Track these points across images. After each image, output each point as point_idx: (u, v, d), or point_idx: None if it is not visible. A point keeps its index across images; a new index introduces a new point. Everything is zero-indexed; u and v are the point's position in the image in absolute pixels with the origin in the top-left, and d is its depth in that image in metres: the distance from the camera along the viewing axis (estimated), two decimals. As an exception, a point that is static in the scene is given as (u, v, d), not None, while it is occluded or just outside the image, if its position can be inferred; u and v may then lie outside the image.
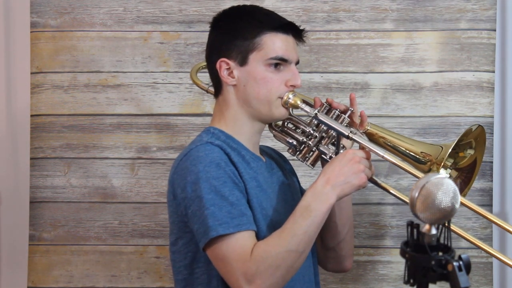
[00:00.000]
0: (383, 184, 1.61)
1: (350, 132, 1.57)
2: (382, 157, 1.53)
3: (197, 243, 1.53)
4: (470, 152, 1.72)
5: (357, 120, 1.69)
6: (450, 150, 1.62)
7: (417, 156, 1.68)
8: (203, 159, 1.52)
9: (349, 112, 1.66)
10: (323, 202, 1.48)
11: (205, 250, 1.51)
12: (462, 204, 1.55)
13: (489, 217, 1.53)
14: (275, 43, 1.60)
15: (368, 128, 1.71)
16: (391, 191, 1.61)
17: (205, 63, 1.96)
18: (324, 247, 1.79)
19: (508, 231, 1.53)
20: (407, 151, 1.69)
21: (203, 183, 1.49)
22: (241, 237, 1.48)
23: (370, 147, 1.55)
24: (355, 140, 1.58)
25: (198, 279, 1.59)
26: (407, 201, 1.41)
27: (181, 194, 1.53)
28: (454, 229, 1.54)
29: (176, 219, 1.59)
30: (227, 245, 1.47)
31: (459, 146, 1.68)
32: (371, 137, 1.71)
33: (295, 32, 1.65)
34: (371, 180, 1.57)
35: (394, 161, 1.54)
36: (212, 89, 1.83)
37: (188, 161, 1.54)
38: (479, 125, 1.69)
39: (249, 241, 1.48)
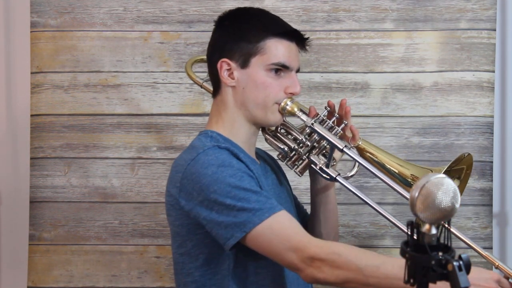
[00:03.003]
0: None
1: (345, 146, 1.58)
2: (374, 175, 1.54)
3: (208, 244, 1.53)
4: (456, 183, 1.70)
5: (349, 134, 1.70)
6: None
7: (407, 179, 1.67)
8: (214, 161, 1.52)
9: (342, 125, 1.67)
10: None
11: (234, 248, 1.49)
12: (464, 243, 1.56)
13: (490, 258, 1.55)
14: (278, 49, 1.60)
15: (360, 143, 1.71)
16: None
17: (200, 57, 1.97)
18: None
19: (509, 274, 1.53)
20: (397, 173, 1.68)
21: (221, 184, 1.48)
22: (279, 218, 1.46)
23: (363, 164, 1.56)
24: (348, 154, 1.58)
25: (211, 279, 1.58)
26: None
27: (198, 197, 1.51)
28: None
29: (185, 221, 1.57)
30: (271, 230, 1.45)
31: (448, 172, 1.66)
32: (360, 153, 1.71)
33: (299, 40, 1.65)
34: None
35: (388, 182, 1.54)
36: (206, 84, 1.84)
37: (197, 165, 1.53)
38: (469, 154, 1.68)
39: (288, 220, 1.47)
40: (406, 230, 1.12)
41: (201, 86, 1.90)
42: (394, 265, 1.39)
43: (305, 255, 1.42)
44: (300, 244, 1.44)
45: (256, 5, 2.27)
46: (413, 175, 1.67)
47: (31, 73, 2.38)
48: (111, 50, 2.37)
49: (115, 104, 2.38)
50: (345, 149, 1.58)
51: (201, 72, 1.99)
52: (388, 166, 1.69)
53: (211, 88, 1.73)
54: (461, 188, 1.71)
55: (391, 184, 1.54)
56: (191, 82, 2.06)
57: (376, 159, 1.70)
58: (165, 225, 2.34)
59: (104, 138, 2.38)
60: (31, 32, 2.38)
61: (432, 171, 1.64)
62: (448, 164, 1.63)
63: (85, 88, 2.38)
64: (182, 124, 2.36)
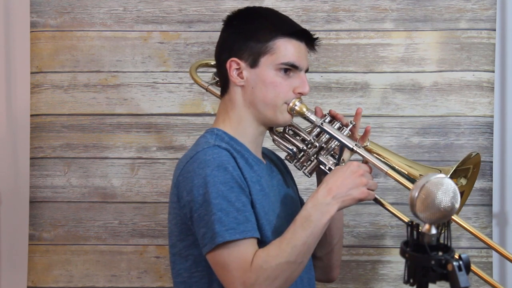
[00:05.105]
0: (384, 203, 1.61)
1: (355, 145, 1.58)
2: (386, 173, 1.54)
3: (198, 246, 1.53)
4: (463, 182, 1.70)
5: (357, 134, 1.69)
6: (448, 176, 1.60)
7: (416, 180, 1.66)
8: (210, 163, 1.51)
9: (350, 126, 1.67)
10: (324, 213, 1.48)
11: (206, 255, 1.50)
12: (460, 226, 1.57)
13: (489, 242, 1.55)
14: (287, 49, 1.60)
15: (367, 144, 1.71)
16: (390, 209, 1.62)
17: (205, 61, 1.96)
18: (312, 256, 1.76)
19: (508, 258, 1.53)
20: (406, 173, 1.68)
21: (211, 188, 1.48)
22: (244, 245, 1.47)
23: (375, 162, 1.56)
24: (359, 154, 1.58)
25: (198, 282, 1.58)
26: (405, 221, 1.42)
27: (187, 197, 1.52)
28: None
29: (179, 221, 1.58)
30: (230, 252, 1.46)
31: (456, 172, 1.66)
32: None
33: (308, 40, 1.65)
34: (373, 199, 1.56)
35: (399, 179, 1.54)
36: (212, 88, 1.83)
37: (195, 164, 1.53)
38: (478, 153, 1.68)
39: (250, 249, 1.48)
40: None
41: (207, 90, 1.88)
42: (296, 228, 1.48)
43: (248, 286, 1.44)
44: (245, 276, 1.45)
45: (256, 4, 2.27)
46: (421, 175, 1.66)
47: (31, 73, 2.38)
48: (111, 50, 2.37)
49: (115, 104, 2.38)
50: (355, 148, 1.58)
51: (203, 72, 1.99)
52: (397, 167, 1.68)
53: (216, 92, 1.72)
54: (469, 187, 1.71)
55: (403, 182, 1.53)
56: (191, 82, 2.06)
57: (383, 160, 1.69)
58: (165, 225, 2.34)
59: (104, 138, 2.38)
60: (31, 32, 2.38)
61: (441, 172, 1.64)
62: (457, 164, 1.63)
63: (85, 88, 2.38)
64: (182, 124, 2.36)
